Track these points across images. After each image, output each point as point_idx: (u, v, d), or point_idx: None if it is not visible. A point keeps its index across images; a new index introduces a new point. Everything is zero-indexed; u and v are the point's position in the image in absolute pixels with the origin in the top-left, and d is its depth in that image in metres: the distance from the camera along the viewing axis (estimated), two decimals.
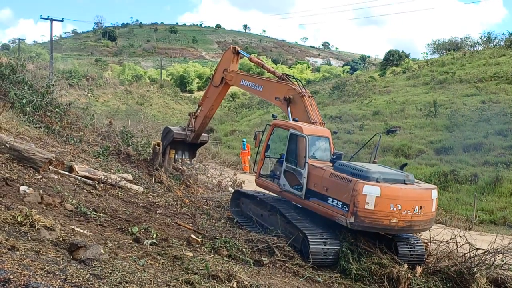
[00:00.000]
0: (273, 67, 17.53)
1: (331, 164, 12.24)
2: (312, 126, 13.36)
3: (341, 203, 11.27)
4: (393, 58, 78.26)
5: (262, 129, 14.96)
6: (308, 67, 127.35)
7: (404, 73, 65.12)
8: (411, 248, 11.99)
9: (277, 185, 13.60)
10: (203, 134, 19.17)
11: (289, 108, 14.43)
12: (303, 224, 12.16)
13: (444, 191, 25.25)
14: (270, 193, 14.63)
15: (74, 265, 6.70)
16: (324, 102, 55.36)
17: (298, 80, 15.30)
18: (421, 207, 11.24)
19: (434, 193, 11.74)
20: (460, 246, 12.18)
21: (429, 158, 31.19)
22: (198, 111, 18.74)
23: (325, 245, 11.55)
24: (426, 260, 12.24)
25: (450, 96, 45.29)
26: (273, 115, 15.21)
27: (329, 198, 11.66)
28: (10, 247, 6.55)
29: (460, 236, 12.17)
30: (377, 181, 11.02)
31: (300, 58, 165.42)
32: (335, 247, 11.57)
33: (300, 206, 13.16)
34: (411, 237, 12.44)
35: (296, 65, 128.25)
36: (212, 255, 9.87)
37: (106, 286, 6.19)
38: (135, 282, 6.59)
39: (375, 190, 10.82)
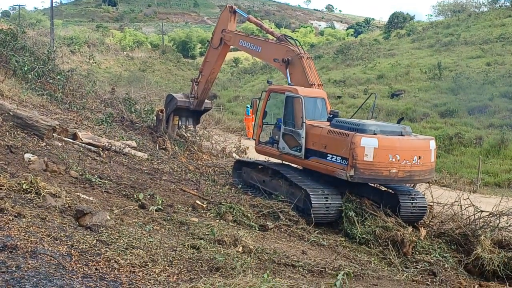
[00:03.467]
0: (271, 29, 17.25)
1: (329, 123, 12.32)
2: (307, 88, 13.38)
3: (340, 158, 11.41)
4: (398, 21, 77.23)
5: (258, 96, 14.88)
6: (312, 30, 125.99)
7: (408, 35, 64.31)
8: (412, 200, 12.12)
9: (276, 149, 13.66)
10: (206, 101, 19.09)
11: (287, 70, 14.35)
12: (304, 182, 12.30)
13: (449, 154, 25.20)
14: (271, 159, 14.68)
15: (80, 231, 6.76)
16: (328, 66, 54.88)
17: (296, 41, 15.14)
18: (420, 157, 11.40)
19: (432, 144, 11.91)
20: (465, 209, 12.22)
21: (434, 122, 31.02)
22: (200, 77, 18.63)
23: (326, 200, 11.71)
24: (431, 223, 12.32)
25: (455, 59, 44.79)
26: (268, 81, 15.19)
27: (328, 155, 11.79)
28: (16, 214, 6.60)
29: (465, 199, 12.21)
30: (374, 133, 11.19)
31: (303, 21, 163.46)
32: (337, 202, 11.74)
33: (300, 168, 13.25)
34: (413, 190, 12.61)
35: (299, 28, 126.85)
36: (218, 221, 9.95)
37: (113, 251, 6.24)
38: (142, 248, 6.65)
39: (373, 142, 10.97)
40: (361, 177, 11.16)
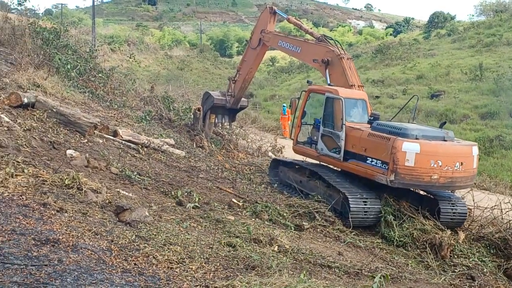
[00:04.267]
0: (311, 29, 17.26)
1: (369, 125, 12.19)
2: (348, 90, 13.27)
3: (380, 162, 11.28)
4: (438, 20, 75.86)
5: (297, 96, 14.84)
6: (350, 30, 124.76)
7: (449, 35, 63.04)
8: (453, 206, 11.91)
9: (314, 150, 13.59)
10: (242, 99, 19.18)
11: (327, 71, 14.27)
12: (343, 185, 12.20)
13: (489, 157, 24.62)
14: (308, 159, 14.61)
15: (120, 226, 6.88)
16: (366, 66, 54.30)
17: (336, 42, 15.03)
18: (462, 163, 11.18)
19: (475, 150, 11.68)
20: (505, 213, 11.95)
21: (474, 123, 30.36)
22: (237, 75, 18.70)
23: (365, 205, 11.59)
24: (470, 227, 12.07)
25: (496, 60, 43.66)
26: (308, 81, 15.08)
27: (368, 158, 11.67)
28: (58, 209, 6.76)
29: (505, 203, 11.94)
30: (416, 138, 11.03)
31: (341, 20, 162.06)
32: (376, 207, 11.60)
33: (338, 169, 13.15)
34: (453, 196, 12.38)
35: (337, 28, 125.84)
36: (253, 219, 9.98)
37: (151, 247, 6.34)
38: (179, 244, 6.73)
39: (415, 147, 10.80)
40: (402, 183, 11.00)
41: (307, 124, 14.60)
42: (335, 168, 13.47)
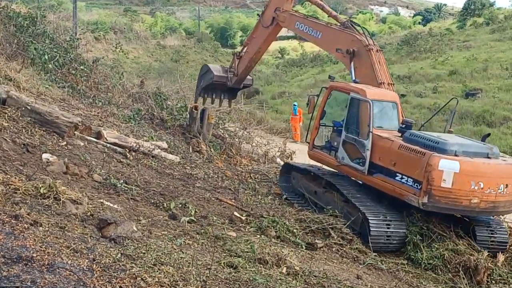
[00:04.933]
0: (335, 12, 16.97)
1: (400, 134, 12.08)
2: (377, 89, 13.14)
3: (412, 180, 11.15)
4: (475, 7, 75.71)
5: (316, 93, 14.80)
6: (372, 17, 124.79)
7: (487, 25, 63.00)
8: (491, 233, 11.77)
9: (334, 158, 13.53)
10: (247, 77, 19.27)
11: (352, 63, 14.18)
12: (364, 203, 12.12)
13: None
14: (325, 167, 14.56)
15: (103, 243, 6.87)
16: (391, 59, 54.23)
17: (365, 29, 14.94)
18: (506, 185, 11.02)
19: None
20: None
21: None
22: (243, 51, 18.68)
23: (388, 228, 11.51)
24: (510, 247, 12.00)
25: None
26: (330, 76, 15.02)
27: (397, 174, 11.55)
28: (32, 222, 6.75)
29: None
30: (456, 155, 10.84)
31: (362, 6, 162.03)
32: (400, 231, 11.50)
33: (361, 182, 13.07)
34: (492, 220, 12.21)
35: (357, 15, 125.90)
36: (258, 236, 9.95)
37: (139, 267, 6.32)
38: (172, 264, 6.71)
39: (454, 165, 10.65)
40: (436, 206, 10.91)
41: (325, 126, 14.55)
42: (357, 180, 13.38)
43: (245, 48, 18.67)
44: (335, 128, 14.15)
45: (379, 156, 12.13)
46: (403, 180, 11.39)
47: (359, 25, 15.20)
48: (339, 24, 15.37)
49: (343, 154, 13.20)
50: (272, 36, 18.08)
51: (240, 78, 18.79)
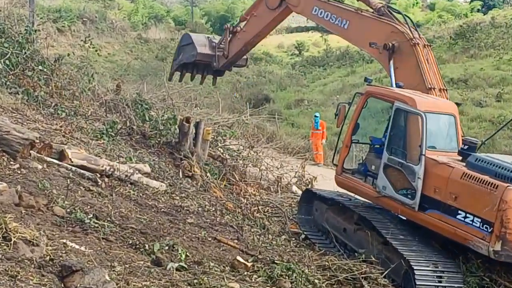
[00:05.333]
0: None
1: (461, 158, 11.99)
2: (430, 98, 13.08)
3: (479, 220, 11.08)
4: None
5: (347, 100, 14.75)
6: (417, 3, 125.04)
7: None
8: None
9: (371, 186, 13.44)
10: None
11: (391, 62, 14.15)
12: (408, 246, 12.06)
13: None
14: (358, 197, 14.48)
15: None
16: (442, 58, 54.09)
17: (407, 18, 14.90)
18: None
19: None
20: None
21: None
22: (238, 28, 18.72)
23: (439, 281, 11.46)
24: None
25: None
26: (366, 79, 14.73)
27: (459, 212, 11.48)
28: None
29: None
30: None
31: None
32: (455, 285, 11.42)
33: (404, 218, 12.97)
34: None
35: (397, 0, 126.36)
36: None
37: None
38: None
39: None
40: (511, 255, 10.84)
41: (359, 143, 14.50)
42: (400, 216, 13.29)
43: (242, 25, 18.65)
44: (373, 146, 14.06)
45: (435, 187, 12.03)
46: (467, 220, 11.30)
47: (399, 12, 15.17)
48: (372, 10, 15.29)
49: (385, 182, 13.09)
50: (277, 21, 18.21)
51: (231, 62, 18.85)
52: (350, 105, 14.37)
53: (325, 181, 16.63)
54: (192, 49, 18.96)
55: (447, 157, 12.24)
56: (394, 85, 13.91)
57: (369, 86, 14.14)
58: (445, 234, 11.83)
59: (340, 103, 14.98)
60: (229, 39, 18.79)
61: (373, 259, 12.12)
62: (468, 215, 11.26)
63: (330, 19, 15.85)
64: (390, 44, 14.06)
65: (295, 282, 10.47)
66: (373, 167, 13.61)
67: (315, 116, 32.12)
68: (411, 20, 14.92)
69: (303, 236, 14.58)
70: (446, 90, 13.78)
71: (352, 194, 14.82)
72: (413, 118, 12.66)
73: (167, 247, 10.52)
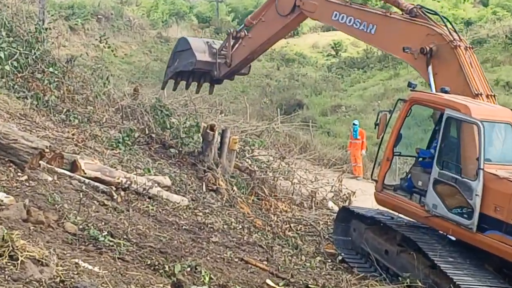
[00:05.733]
0: None
1: None
2: (485, 105, 12.97)
3: None
4: None
5: (389, 107, 14.70)
6: None
7: None
8: None
9: (419, 204, 13.32)
10: None
11: (429, 68, 14.09)
12: (458, 270, 11.97)
13: None
14: (402, 216, 14.39)
15: None
16: (495, 60, 53.92)
17: (444, 19, 14.87)
18: None
19: None
20: None
21: None
22: (243, 33, 18.69)
23: None
24: None
25: None
26: (410, 84, 14.53)
27: None
28: None
29: None
30: None
31: None
32: None
33: (454, 239, 12.88)
34: None
35: None
36: None
37: None
38: None
39: None
40: None
41: (402, 156, 14.42)
42: (450, 236, 13.19)
43: (247, 30, 18.67)
44: (419, 159, 13.95)
45: (496, 206, 11.91)
46: None
47: (436, 12, 15.06)
48: (403, 11, 15.19)
49: (436, 200, 12.92)
50: (289, 28, 18.28)
51: (233, 71, 18.85)
52: (392, 113, 14.29)
53: (365, 196, 16.56)
54: (190, 56, 18.92)
55: (506, 171, 12.10)
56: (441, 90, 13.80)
57: (413, 92, 13.97)
58: (507, 258, 11.67)
59: (380, 111, 14.86)
60: (232, 45, 18.72)
61: (419, 284, 12.07)
62: None
63: (353, 24, 15.69)
64: (428, 48, 13.93)
65: None
66: (419, 182, 13.45)
67: (354, 124, 32.05)
68: (448, 21, 14.78)
69: (340, 257, 14.53)
70: (494, 96, 13.64)
71: (394, 212, 14.73)
72: (467, 127, 12.53)
73: (189, 269, 10.54)
